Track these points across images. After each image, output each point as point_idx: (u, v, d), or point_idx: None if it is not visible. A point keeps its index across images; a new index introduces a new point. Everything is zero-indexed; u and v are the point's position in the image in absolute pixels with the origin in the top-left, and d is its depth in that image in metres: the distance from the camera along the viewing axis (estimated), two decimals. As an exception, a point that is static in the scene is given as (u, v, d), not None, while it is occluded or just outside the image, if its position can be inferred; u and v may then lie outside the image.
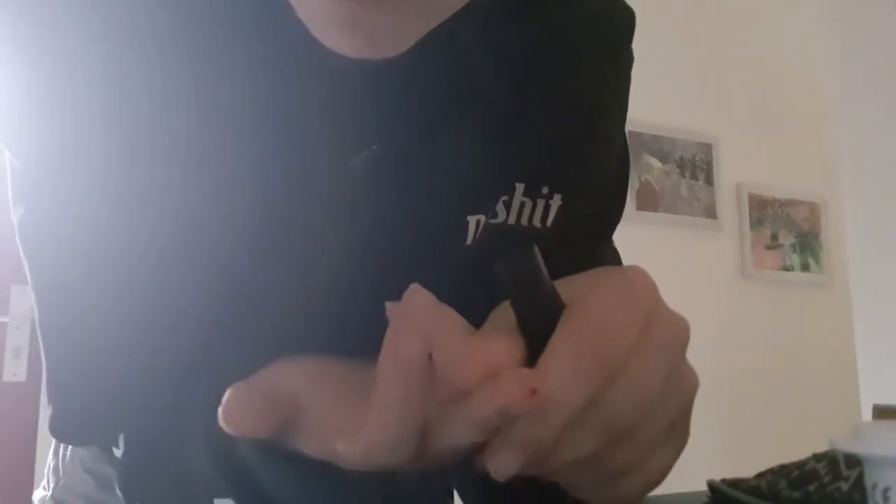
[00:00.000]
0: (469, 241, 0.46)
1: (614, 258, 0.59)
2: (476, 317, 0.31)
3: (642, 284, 0.32)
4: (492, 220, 0.47)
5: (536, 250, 0.27)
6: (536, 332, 0.28)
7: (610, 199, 0.56)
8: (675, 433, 0.33)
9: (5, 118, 0.41)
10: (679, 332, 0.33)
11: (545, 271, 0.28)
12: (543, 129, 0.48)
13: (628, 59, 0.53)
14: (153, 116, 0.40)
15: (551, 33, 0.47)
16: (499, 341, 0.28)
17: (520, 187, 0.47)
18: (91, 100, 0.39)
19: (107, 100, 0.39)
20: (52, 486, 0.67)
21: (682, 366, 0.34)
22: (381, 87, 0.41)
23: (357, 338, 0.34)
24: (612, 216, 0.57)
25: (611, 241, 0.59)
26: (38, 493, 0.68)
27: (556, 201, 0.48)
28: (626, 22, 0.52)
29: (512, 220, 0.48)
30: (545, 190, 0.48)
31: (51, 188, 0.42)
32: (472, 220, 0.46)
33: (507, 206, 0.47)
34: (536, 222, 0.48)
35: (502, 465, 0.28)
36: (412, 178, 0.44)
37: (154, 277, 0.40)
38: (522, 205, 0.48)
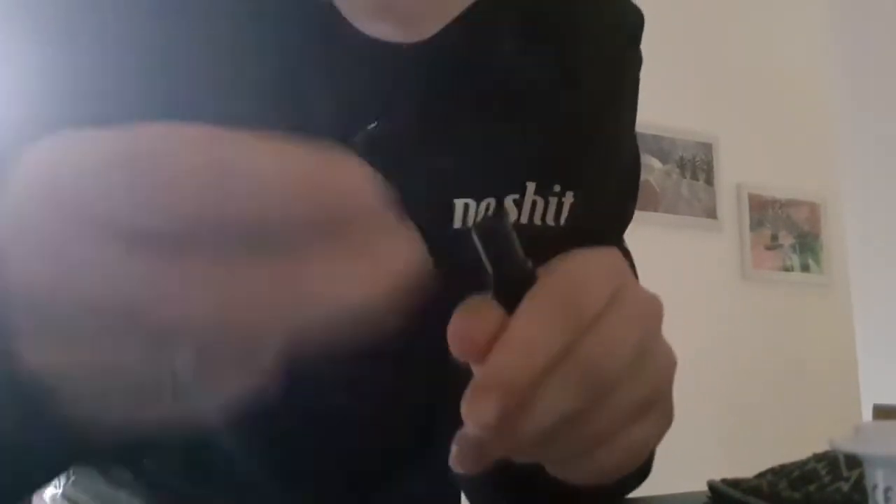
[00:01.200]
0: (458, 224, 0.46)
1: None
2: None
3: (611, 260, 0.33)
4: None
5: (507, 216, 0.29)
6: (511, 298, 0.29)
7: (621, 198, 0.56)
8: (656, 410, 0.33)
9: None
10: (650, 306, 0.33)
11: (516, 240, 0.30)
12: (554, 126, 0.48)
13: (637, 60, 0.54)
14: (154, 85, 0.40)
15: (564, 34, 0.48)
16: (472, 307, 0.29)
17: (531, 186, 0.47)
18: (112, 73, 0.40)
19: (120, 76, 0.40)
20: (63, 483, 0.67)
21: (656, 341, 0.34)
22: (392, 67, 0.41)
23: None
24: (624, 215, 0.57)
25: (622, 241, 0.59)
26: (50, 491, 0.69)
27: (569, 198, 0.49)
28: (637, 24, 0.53)
29: (524, 220, 0.48)
30: (557, 188, 0.48)
31: None
32: (458, 203, 0.46)
33: (519, 205, 0.47)
34: (550, 220, 0.48)
35: (478, 409, 0.27)
36: (408, 156, 0.44)
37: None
38: (535, 204, 0.48)
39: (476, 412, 0.27)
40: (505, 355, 0.27)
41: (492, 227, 0.29)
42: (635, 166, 0.57)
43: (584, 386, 0.29)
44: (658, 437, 0.34)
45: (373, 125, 0.43)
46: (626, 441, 0.32)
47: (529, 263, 0.31)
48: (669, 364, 0.34)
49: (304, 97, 0.41)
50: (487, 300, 0.29)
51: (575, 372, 0.29)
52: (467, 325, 0.28)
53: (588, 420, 0.30)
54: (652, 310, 0.34)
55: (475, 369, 0.28)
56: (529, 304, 0.29)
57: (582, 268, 0.31)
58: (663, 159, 2.82)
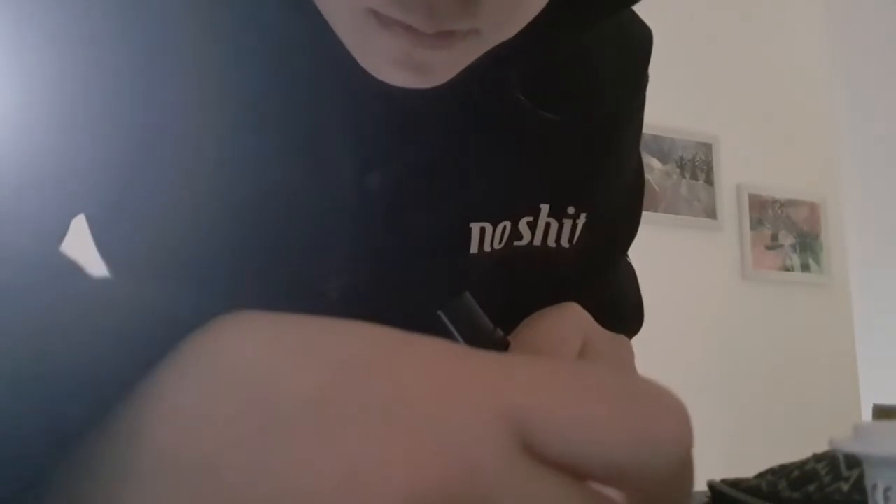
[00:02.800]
0: (474, 249, 0.46)
1: (628, 276, 0.60)
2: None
3: (572, 313, 0.36)
4: (517, 243, 0.47)
5: (469, 295, 0.32)
6: None
7: (628, 214, 0.56)
8: None
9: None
10: (620, 345, 0.36)
11: (481, 312, 0.32)
12: (569, 149, 0.48)
13: (645, 81, 0.54)
14: (176, 122, 0.40)
15: (578, 55, 0.48)
16: None
17: (545, 208, 0.47)
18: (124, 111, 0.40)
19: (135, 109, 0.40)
20: None
21: (634, 376, 0.36)
22: (407, 108, 0.41)
23: None
24: (629, 231, 0.57)
25: (626, 259, 0.59)
26: None
27: (582, 220, 0.49)
28: (647, 48, 0.53)
29: (538, 242, 0.48)
30: (571, 210, 0.48)
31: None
32: (475, 227, 0.46)
33: (533, 227, 0.47)
34: (564, 242, 0.48)
35: None
36: (424, 189, 0.44)
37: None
38: (548, 226, 0.48)
39: None
40: None
41: (457, 306, 0.32)
42: (640, 181, 0.57)
43: None
44: None
45: (389, 163, 0.43)
46: None
47: (499, 332, 0.33)
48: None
49: (321, 137, 0.42)
50: None
51: None
52: None
53: None
54: (624, 347, 0.36)
55: None
56: None
57: (548, 324, 0.34)
58: (663, 159, 2.82)
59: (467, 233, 0.46)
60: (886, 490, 0.29)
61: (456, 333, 0.31)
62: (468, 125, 0.44)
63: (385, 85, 0.35)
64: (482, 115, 0.44)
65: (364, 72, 0.35)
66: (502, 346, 0.32)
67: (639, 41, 0.53)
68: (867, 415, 1.98)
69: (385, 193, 0.43)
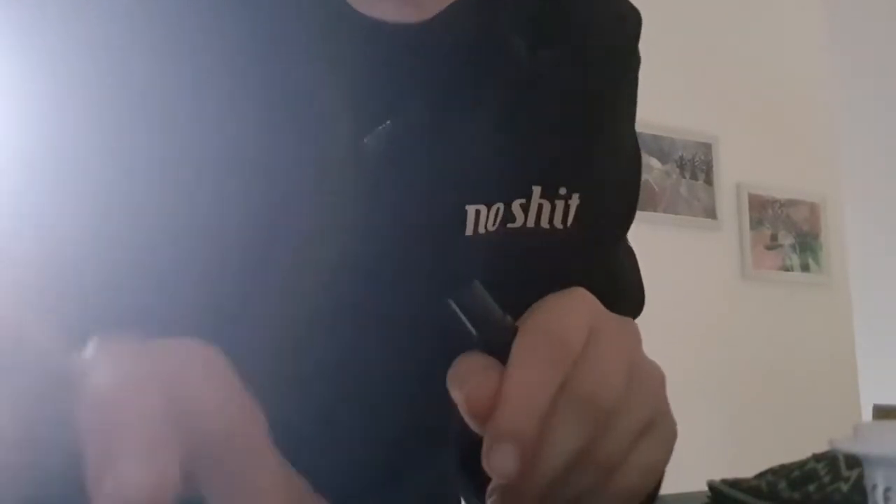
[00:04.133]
0: (469, 231, 0.46)
1: (628, 256, 0.60)
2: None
3: (581, 297, 0.35)
4: (510, 225, 0.47)
5: (478, 283, 0.33)
6: (499, 352, 0.32)
7: (624, 196, 0.56)
8: (659, 428, 0.34)
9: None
10: (629, 329, 0.35)
11: (491, 300, 0.33)
12: (558, 128, 0.49)
13: (637, 60, 0.54)
14: (164, 84, 0.40)
15: (567, 34, 0.48)
16: (473, 369, 0.31)
17: (537, 190, 0.48)
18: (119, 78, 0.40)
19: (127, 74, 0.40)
20: None
21: (642, 361, 0.35)
22: (400, 57, 0.41)
23: (356, 315, 0.39)
24: (627, 214, 0.57)
25: (625, 240, 0.59)
26: None
27: (575, 201, 0.49)
28: (636, 24, 0.53)
29: (531, 223, 0.48)
30: (563, 191, 0.48)
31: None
32: (470, 209, 0.46)
33: (525, 209, 0.47)
34: (558, 223, 0.48)
35: (499, 463, 0.29)
36: (421, 158, 0.44)
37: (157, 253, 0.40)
38: (541, 207, 0.48)
39: (498, 466, 0.29)
40: (511, 405, 0.29)
41: (467, 294, 0.32)
42: (636, 164, 0.57)
43: (585, 419, 0.31)
44: (667, 453, 0.35)
45: (384, 125, 0.43)
46: (637, 461, 0.33)
47: (508, 318, 0.33)
48: (660, 381, 0.35)
49: (315, 97, 0.41)
50: (482, 357, 0.31)
51: (574, 406, 0.30)
52: (476, 388, 0.30)
53: (597, 449, 0.31)
54: (631, 332, 0.35)
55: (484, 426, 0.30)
56: (519, 353, 0.31)
57: (556, 309, 0.33)
58: (663, 159, 2.82)
59: (462, 215, 0.46)
60: (886, 490, 0.29)
61: (467, 322, 0.32)
62: (461, 82, 0.45)
63: (375, 33, 0.35)
64: (473, 71, 0.45)
65: (353, 20, 0.35)
66: (512, 332, 0.33)
67: (630, 18, 0.53)
68: (867, 415, 1.98)
69: (379, 168, 0.43)
